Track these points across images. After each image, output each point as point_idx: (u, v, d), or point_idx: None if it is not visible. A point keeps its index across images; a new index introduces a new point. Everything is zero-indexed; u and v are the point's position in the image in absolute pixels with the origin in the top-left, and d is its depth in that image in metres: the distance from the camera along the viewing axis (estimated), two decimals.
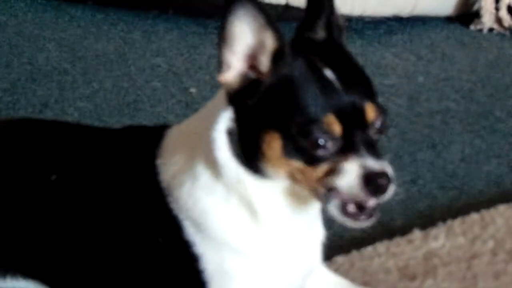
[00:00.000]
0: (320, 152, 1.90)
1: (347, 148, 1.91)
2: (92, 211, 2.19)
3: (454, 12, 3.55)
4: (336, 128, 1.89)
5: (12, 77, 3.29)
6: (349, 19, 2.62)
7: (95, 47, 3.51)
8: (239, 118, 2.02)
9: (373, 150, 1.92)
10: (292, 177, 1.97)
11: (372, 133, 1.93)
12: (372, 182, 1.89)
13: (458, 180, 2.80)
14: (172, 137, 2.14)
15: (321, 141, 1.89)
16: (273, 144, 1.96)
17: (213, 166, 2.04)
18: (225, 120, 2.01)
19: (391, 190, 1.88)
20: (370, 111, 1.91)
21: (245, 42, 1.94)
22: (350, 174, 1.90)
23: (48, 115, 2.96)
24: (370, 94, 1.95)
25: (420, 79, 3.17)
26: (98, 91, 3.21)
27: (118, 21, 3.67)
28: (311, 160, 1.92)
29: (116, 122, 2.73)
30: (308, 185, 1.95)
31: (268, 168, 1.98)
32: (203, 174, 2.07)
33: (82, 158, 2.25)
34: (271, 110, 1.97)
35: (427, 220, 2.57)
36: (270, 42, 1.93)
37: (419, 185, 2.75)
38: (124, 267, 2.18)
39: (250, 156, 2.00)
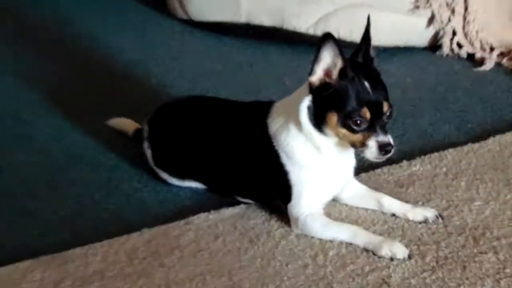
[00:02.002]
0: (357, 127, 2.40)
1: (371, 128, 2.39)
2: (233, 146, 2.64)
3: (429, 43, 3.76)
4: (367, 114, 2.38)
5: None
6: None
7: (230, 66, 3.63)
8: (315, 102, 2.44)
9: (384, 129, 2.41)
10: (340, 137, 2.44)
11: (384, 118, 2.41)
12: (383, 148, 2.39)
13: (427, 134, 3.10)
14: (276, 107, 2.58)
15: (358, 121, 2.38)
16: (332, 118, 2.41)
17: (299, 125, 2.47)
18: (307, 101, 2.44)
19: (393, 150, 2.40)
20: (385, 106, 2.40)
21: (326, 62, 2.37)
22: (371, 146, 2.40)
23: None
24: (386, 96, 2.42)
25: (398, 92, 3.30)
26: (239, 89, 3.39)
27: (245, 50, 3.76)
28: (352, 130, 2.40)
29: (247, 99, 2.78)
30: (348, 142, 2.43)
31: (327, 130, 2.44)
32: (293, 129, 2.50)
33: (228, 116, 2.69)
34: (334, 100, 2.41)
35: (410, 155, 2.91)
36: (339, 63, 2.37)
37: (404, 140, 3.06)
38: (249, 175, 2.62)
39: (319, 123, 2.44)
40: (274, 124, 2.57)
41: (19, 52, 3.74)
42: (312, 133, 2.47)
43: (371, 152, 2.40)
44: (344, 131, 2.41)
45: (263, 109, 2.62)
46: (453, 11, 3.69)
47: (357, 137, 2.41)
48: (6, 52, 3.74)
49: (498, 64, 3.66)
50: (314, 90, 2.43)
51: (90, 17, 4.08)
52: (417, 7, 3.68)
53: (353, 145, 2.44)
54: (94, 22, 4.01)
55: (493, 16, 3.81)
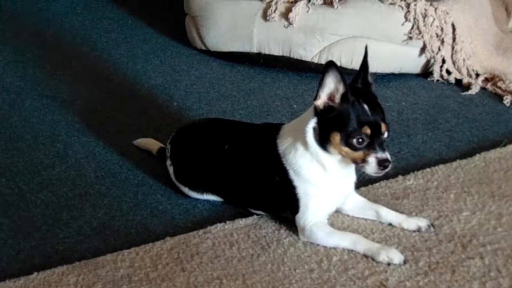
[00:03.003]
0: (358, 145, 2.39)
1: (370, 146, 2.39)
2: (246, 163, 2.62)
3: (421, 70, 3.74)
4: (368, 132, 2.37)
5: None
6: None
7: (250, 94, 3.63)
8: (320, 123, 2.44)
9: (382, 147, 2.41)
10: (342, 155, 2.44)
11: (382, 137, 2.41)
12: (381, 163, 2.39)
13: (420, 152, 3.09)
14: (285, 129, 2.57)
15: (359, 140, 2.38)
16: (336, 138, 2.41)
17: (305, 144, 2.47)
18: (312, 123, 2.45)
19: (390, 166, 2.40)
20: (383, 126, 2.41)
21: (330, 87, 2.39)
22: (371, 162, 2.40)
23: None
24: (383, 117, 2.43)
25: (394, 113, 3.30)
26: (251, 112, 3.42)
27: (256, 76, 3.74)
28: (354, 148, 2.40)
29: (259, 121, 2.88)
30: (350, 159, 2.42)
31: (331, 149, 2.44)
32: (300, 148, 2.50)
33: (242, 136, 2.68)
34: (337, 121, 2.41)
35: (405, 170, 2.91)
36: (341, 89, 2.37)
37: (400, 157, 3.05)
38: (261, 189, 2.60)
39: (324, 142, 2.44)
40: (283, 143, 2.56)
41: (56, 77, 3.76)
42: (318, 152, 2.47)
43: (371, 167, 2.40)
44: (346, 149, 2.41)
45: (273, 130, 2.62)
46: (442, 42, 3.70)
47: (358, 154, 2.40)
48: (44, 76, 3.76)
49: (483, 89, 3.67)
50: (319, 113, 2.43)
51: (118, 46, 4.09)
52: (410, 38, 3.69)
53: (354, 161, 2.44)
54: (122, 51, 4.03)
55: (478, 45, 3.81)
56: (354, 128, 2.37)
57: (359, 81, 2.47)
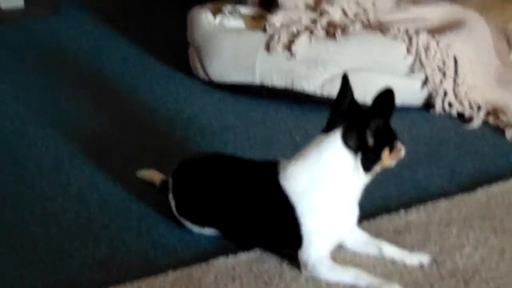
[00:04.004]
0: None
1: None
2: (248, 200, 2.62)
3: (423, 103, 3.75)
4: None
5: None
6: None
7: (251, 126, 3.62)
8: (365, 153, 2.46)
9: None
10: (385, 165, 2.52)
11: None
12: None
13: (422, 186, 3.10)
14: (291, 165, 2.53)
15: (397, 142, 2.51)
16: (386, 152, 2.49)
17: (337, 179, 2.47)
18: (352, 159, 2.46)
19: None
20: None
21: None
22: (401, 148, 2.54)
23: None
24: None
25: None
26: (253, 144, 3.43)
27: (259, 108, 3.75)
28: (395, 151, 2.53)
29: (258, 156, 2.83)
30: (390, 163, 2.53)
31: (377, 167, 2.50)
32: (323, 183, 2.48)
33: (244, 173, 2.68)
34: (383, 140, 2.48)
35: (407, 205, 2.92)
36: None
37: (402, 191, 3.07)
38: (263, 226, 2.61)
39: (372, 165, 2.48)
40: (293, 181, 2.55)
41: (60, 106, 3.79)
42: (353, 180, 2.50)
43: (403, 152, 2.56)
44: (393, 155, 2.52)
45: (276, 167, 2.61)
46: (444, 75, 3.72)
47: (399, 151, 2.55)
48: (48, 105, 3.80)
49: (485, 122, 3.68)
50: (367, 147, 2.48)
51: (122, 76, 4.11)
52: (412, 71, 3.72)
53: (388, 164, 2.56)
54: (125, 80, 4.05)
55: (480, 78, 3.83)
56: (393, 133, 2.47)
57: (346, 103, 2.51)
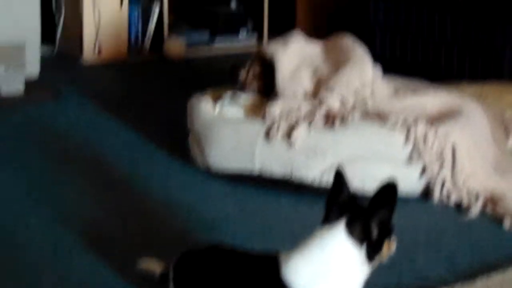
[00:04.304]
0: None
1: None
2: None
3: (421, 192, 3.78)
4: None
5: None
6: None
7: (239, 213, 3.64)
8: (370, 245, 2.43)
9: None
10: (385, 256, 2.46)
11: None
12: None
13: (422, 276, 3.09)
14: (289, 258, 2.49)
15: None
16: (387, 244, 2.45)
17: (343, 270, 2.43)
18: (357, 251, 2.42)
19: None
20: None
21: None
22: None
23: None
24: None
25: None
26: (252, 234, 3.43)
27: (258, 197, 3.77)
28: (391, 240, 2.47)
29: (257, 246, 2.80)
30: (388, 254, 2.47)
31: (379, 257, 2.45)
32: (329, 274, 2.43)
33: (245, 267, 2.65)
34: (385, 232, 2.44)
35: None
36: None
37: (402, 282, 3.07)
38: None
39: (374, 255, 2.44)
40: (292, 275, 2.50)
41: (60, 193, 3.81)
42: (359, 271, 2.48)
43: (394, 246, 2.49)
44: (391, 244, 2.49)
45: (277, 260, 2.57)
46: (442, 164, 3.75)
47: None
48: (49, 192, 3.82)
49: (483, 210, 3.70)
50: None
51: (122, 163, 4.16)
52: (410, 160, 3.75)
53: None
54: (125, 168, 4.08)
55: (478, 166, 3.87)
56: (392, 224, 2.46)
57: (343, 195, 2.50)
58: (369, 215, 2.47)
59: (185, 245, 3.07)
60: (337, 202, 2.53)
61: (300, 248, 2.56)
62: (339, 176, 2.53)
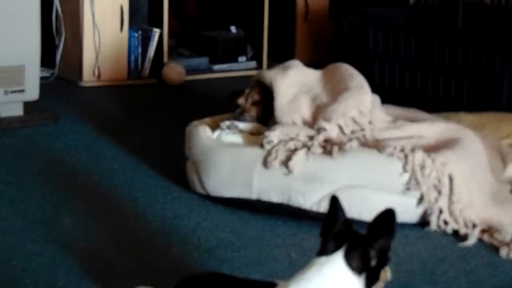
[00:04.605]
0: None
1: None
2: None
3: (418, 220, 3.80)
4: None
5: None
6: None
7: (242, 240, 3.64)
8: (369, 272, 2.44)
9: None
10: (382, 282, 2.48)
11: None
12: None
13: None
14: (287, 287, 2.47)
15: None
16: (384, 273, 2.48)
17: None
18: (356, 278, 2.43)
19: None
20: None
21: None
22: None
23: None
24: None
25: None
26: (249, 261, 3.40)
27: (255, 223, 3.76)
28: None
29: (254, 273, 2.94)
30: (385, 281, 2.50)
31: (377, 284, 2.48)
32: None
33: None
34: (382, 260, 2.46)
35: None
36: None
37: None
38: None
39: (373, 283, 2.46)
40: None
41: (57, 219, 3.81)
42: None
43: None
44: (387, 270, 2.51)
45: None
46: (440, 193, 3.77)
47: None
48: (45, 218, 3.81)
49: (480, 240, 3.71)
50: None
51: (119, 188, 4.15)
52: (408, 188, 3.77)
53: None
54: (123, 193, 4.09)
55: (475, 196, 3.88)
56: (389, 253, 2.46)
57: (339, 222, 2.50)
58: (368, 244, 2.47)
59: (182, 273, 3.08)
60: (334, 229, 2.53)
61: (298, 279, 2.54)
62: (335, 203, 2.54)
